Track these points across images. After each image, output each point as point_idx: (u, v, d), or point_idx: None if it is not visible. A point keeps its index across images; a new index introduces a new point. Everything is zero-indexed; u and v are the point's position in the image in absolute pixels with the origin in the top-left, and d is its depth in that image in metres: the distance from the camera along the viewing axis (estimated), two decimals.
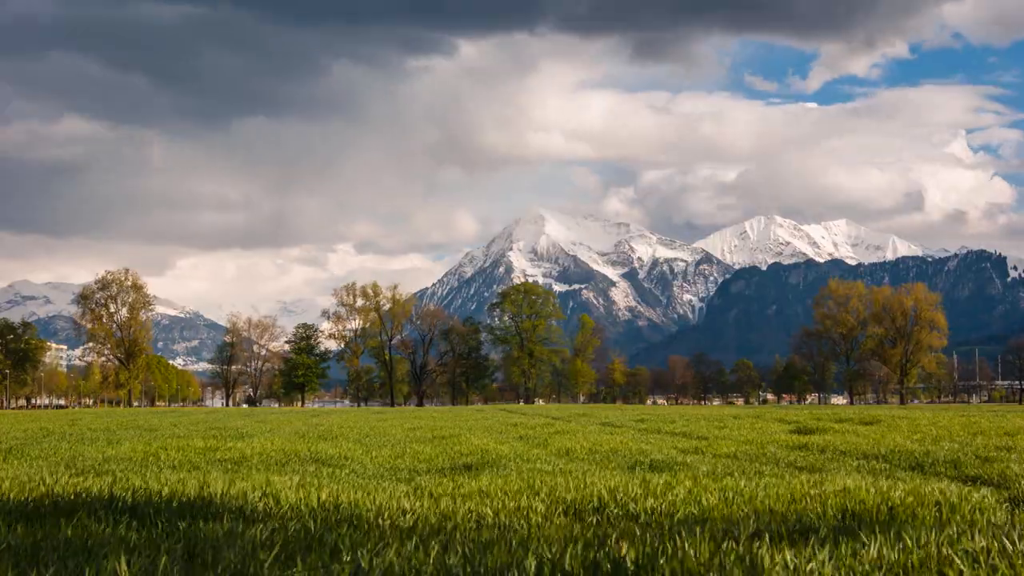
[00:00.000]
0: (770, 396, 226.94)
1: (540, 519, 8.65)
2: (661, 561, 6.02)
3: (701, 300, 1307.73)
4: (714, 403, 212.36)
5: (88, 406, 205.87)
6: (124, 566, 6.16)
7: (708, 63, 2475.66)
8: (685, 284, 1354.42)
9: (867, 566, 6.03)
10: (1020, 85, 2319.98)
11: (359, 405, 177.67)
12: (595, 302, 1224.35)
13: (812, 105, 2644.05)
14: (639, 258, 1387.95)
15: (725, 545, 6.51)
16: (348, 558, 6.47)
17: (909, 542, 6.54)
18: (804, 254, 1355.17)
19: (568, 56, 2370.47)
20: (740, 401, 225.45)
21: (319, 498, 9.50)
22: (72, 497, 9.52)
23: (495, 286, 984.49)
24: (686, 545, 6.43)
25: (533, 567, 6.02)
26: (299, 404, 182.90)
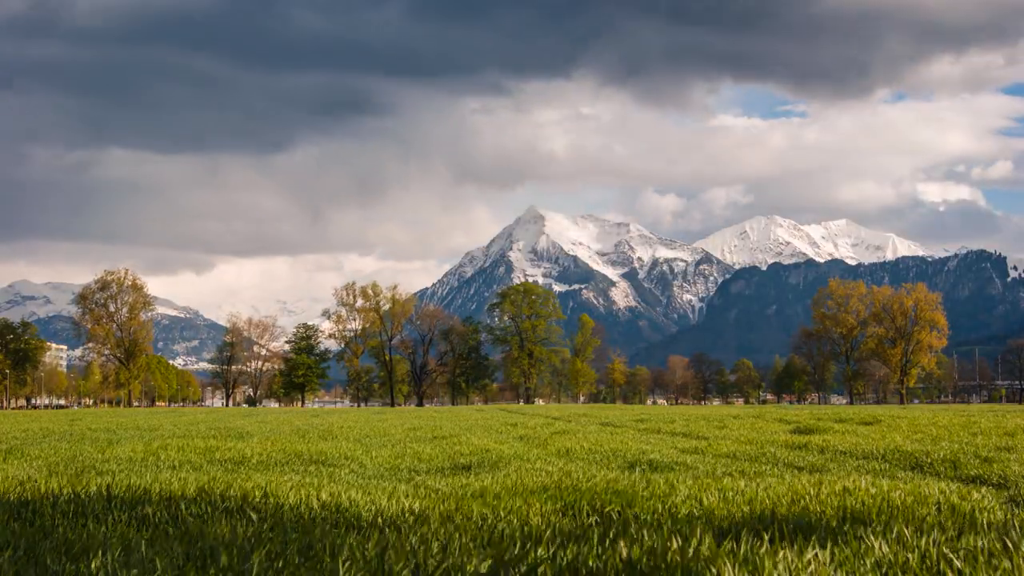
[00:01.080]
0: (770, 396, 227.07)
1: (539, 518, 8.66)
2: (659, 561, 6.01)
3: (701, 300, 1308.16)
4: (714, 403, 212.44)
5: (88, 406, 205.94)
6: (124, 567, 6.16)
7: (717, 103, 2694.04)
8: (685, 284, 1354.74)
9: (867, 566, 6.03)
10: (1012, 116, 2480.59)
11: (359, 405, 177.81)
12: (595, 302, 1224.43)
13: (812, 122, 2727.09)
14: (639, 258, 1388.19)
15: (725, 545, 6.52)
16: (348, 558, 6.47)
17: (909, 542, 6.54)
18: (804, 254, 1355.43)
19: (591, 96, 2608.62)
20: (740, 401, 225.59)
21: (319, 498, 9.50)
22: (71, 497, 9.52)
23: (495, 286, 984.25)
24: (685, 545, 6.43)
25: (532, 566, 6.02)
26: (299, 404, 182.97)
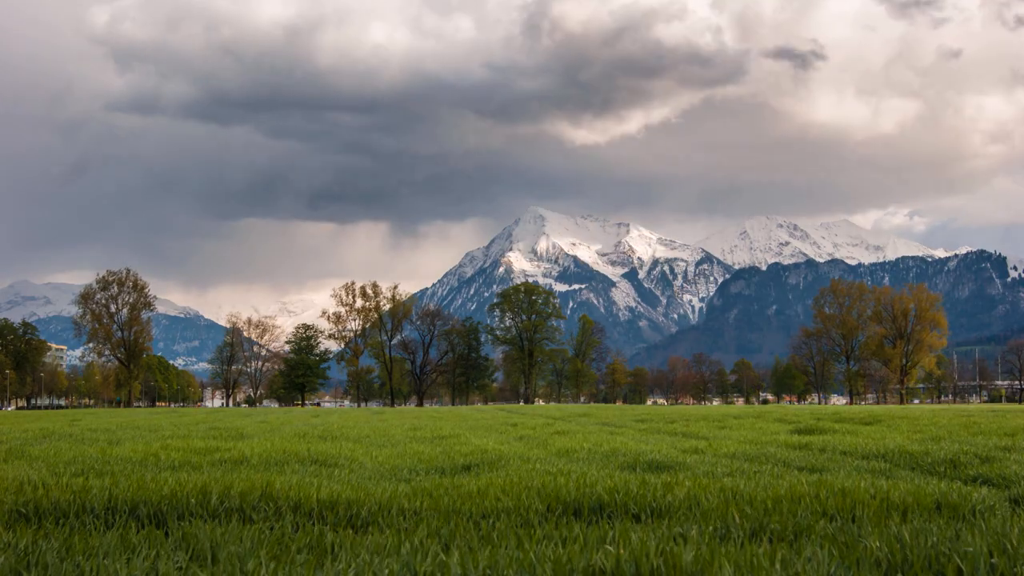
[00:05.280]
0: (770, 396, 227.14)
1: (539, 519, 8.67)
2: (659, 562, 6.02)
3: (701, 300, 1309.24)
4: (714, 403, 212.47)
5: (88, 406, 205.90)
6: (124, 567, 6.17)
7: None
8: (685, 284, 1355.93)
9: (867, 566, 6.03)
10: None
11: (359, 405, 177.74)
12: (595, 302, 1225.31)
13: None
14: (639, 258, 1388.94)
15: (724, 546, 6.53)
16: (348, 558, 6.48)
17: (909, 542, 6.54)
18: (804, 254, 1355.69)
19: None
20: (740, 401, 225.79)
21: (319, 498, 9.50)
22: (72, 498, 9.53)
23: (495, 286, 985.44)
24: (685, 546, 6.44)
25: (532, 567, 6.03)
26: (299, 404, 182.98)
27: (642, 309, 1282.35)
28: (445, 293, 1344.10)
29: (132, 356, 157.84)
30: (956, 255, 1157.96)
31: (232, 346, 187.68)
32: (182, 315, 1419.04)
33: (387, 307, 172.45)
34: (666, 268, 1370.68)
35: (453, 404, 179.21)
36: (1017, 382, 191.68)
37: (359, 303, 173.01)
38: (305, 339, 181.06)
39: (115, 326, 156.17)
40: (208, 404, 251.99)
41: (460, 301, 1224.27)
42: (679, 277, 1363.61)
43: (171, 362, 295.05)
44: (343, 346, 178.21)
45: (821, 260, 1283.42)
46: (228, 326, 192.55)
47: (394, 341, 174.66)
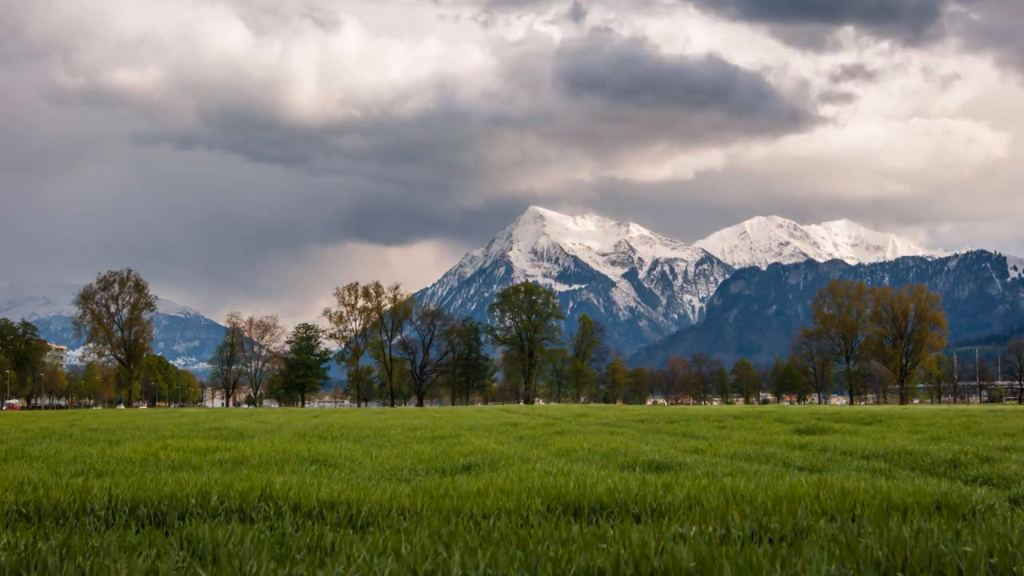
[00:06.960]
0: (770, 396, 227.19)
1: (539, 519, 8.67)
2: (659, 562, 6.02)
3: (701, 300, 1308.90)
4: (714, 403, 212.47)
5: (88, 406, 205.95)
6: (124, 567, 6.17)
7: None
8: (685, 284, 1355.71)
9: (867, 566, 6.03)
10: None
11: (359, 405, 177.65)
12: (595, 302, 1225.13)
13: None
14: (639, 258, 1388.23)
15: (724, 546, 6.53)
16: (347, 559, 6.48)
17: (909, 542, 6.54)
18: (804, 254, 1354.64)
19: None
20: (740, 401, 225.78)
21: (319, 498, 9.50)
22: (72, 498, 9.53)
23: (495, 286, 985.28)
24: (685, 546, 6.44)
25: (532, 567, 6.03)
26: (299, 404, 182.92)
27: (642, 309, 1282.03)
28: (445, 293, 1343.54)
29: (132, 356, 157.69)
30: (956, 255, 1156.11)
31: (232, 346, 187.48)
32: (182, 315, 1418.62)
33: (388, 307, 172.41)
34: (666, 268, 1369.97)
35: (453, 404, 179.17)
36: (1017, 382, 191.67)
37: (361, 303, 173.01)
38: (305, 339, 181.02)
39: (115, 326, 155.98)
40: (208, 404, 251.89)
41: (460, 301, 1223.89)
42: (679, 277, 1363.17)
43: (171, 362, 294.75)
44: (343, 346, 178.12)
45: (821, 260, 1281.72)
46: (228, 326, 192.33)
47: (394, 341, 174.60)
